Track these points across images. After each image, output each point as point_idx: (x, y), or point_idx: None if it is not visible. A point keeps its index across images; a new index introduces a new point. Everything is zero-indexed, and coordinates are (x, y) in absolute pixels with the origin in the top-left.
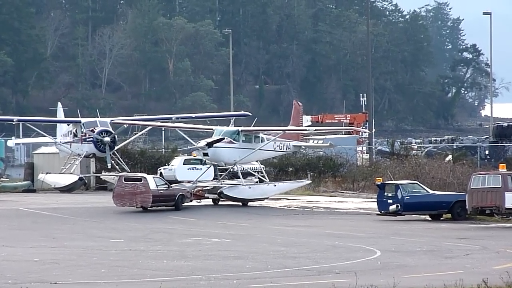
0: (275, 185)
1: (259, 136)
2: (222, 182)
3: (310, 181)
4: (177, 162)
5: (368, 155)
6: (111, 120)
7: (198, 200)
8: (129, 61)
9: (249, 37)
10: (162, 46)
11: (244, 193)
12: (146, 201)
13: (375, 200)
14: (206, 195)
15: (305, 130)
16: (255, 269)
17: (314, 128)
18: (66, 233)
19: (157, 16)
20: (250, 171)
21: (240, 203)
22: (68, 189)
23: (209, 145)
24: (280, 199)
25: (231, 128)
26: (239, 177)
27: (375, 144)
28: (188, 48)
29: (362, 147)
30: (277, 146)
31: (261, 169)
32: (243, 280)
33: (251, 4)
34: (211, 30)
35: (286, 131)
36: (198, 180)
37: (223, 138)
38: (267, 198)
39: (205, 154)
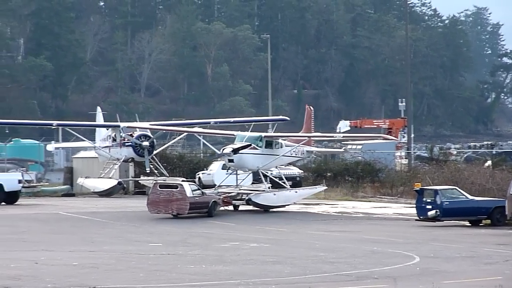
0: (296, 192)
1: (279, 142)
2: (241, 188)
3: (326, 187)
4: (216, 166)
5: (406, 160)
6: (149, 125)
7: (226, 207)
8: (167, 65)
9: (287, 42)
10: (200, 51)
11: (270, 200)
12: (183, 208)
13: (414, 205)
14: (233, 201)
15: (333, 136)
16: (293, 274)
17: (342, 134)
18: (105, 237)
19: (195, 21)
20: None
21: (262, 209)
22: (107, 193)
23: (235, 151)
24: (318, 204)
25: (254, 133)
26: (262, 183)
27: (413, 150)
28: (227, 53)
29: (401, 152)
30: (293, 151)
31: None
32: (282, 285)
33: (290, 9)
34: (250, 35)
35: (303, 137)
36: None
37: (250, 145)
38: (289, 204)
39: (230, 161)
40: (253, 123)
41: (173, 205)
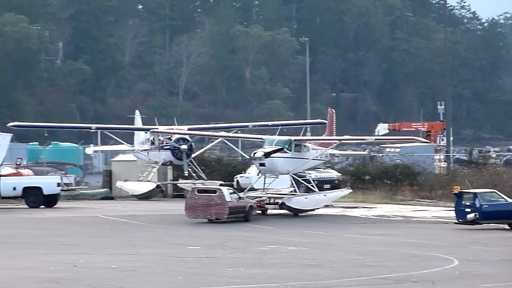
0: (325, 195)
1: (306, 145)
2: (267, 192)
3: (351, 190)
4: (254, 170)
5: (445, 163)
6: (188, 128)
7: (259, 212)
8: (206, 69)
9: (326, 45)
10: (239, 54)
11: (302, 204)
12: (222, 213)
13: (453, 208)
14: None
15: (364, 140)
16: (332, 278)
17: (374, 137)
18: (144, 241)
19: (234, 24)
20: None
21: (292, 213)
22: (145, 196)
23: (266, 155)
24: (356, 207)
25: (283, 137)
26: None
27: (453, 153)
28: (265, 56)
29: (440, 155)
30: (318, 155)
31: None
32: None
33: (328, 12)
34: (288, 38)
35: (333, 140)
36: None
37: (282, 148)
38: (319, 208)
39: (262, 165)
40: (293, 126)
41: (211, 210)
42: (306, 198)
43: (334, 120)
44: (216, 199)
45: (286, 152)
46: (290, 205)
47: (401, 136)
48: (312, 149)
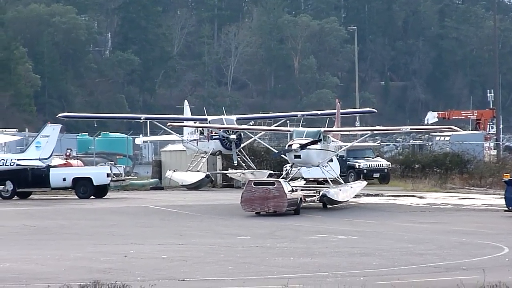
0: (351, 187)
1: (329, 137)
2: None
3: (366, 182)
4: None
5: (495, 151)
6: (237, 118)
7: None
8: (254, 58)
9: (374, 33)
10: (287, 43)
11: (338, 195)
12: (281, 205)
13: (503, 196)
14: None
15: (399, 130)
16: (382, 266)
17: (409, 127)
18: (194, 230)
19: (282, 13)
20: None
21: (322, 206)
22: (195, 186)
23: (302, 147)
24: (406, 196)
25: (313, 129)
26: (326, 181)
27: (502, 140)
28: (313, 45)
29: (490, 143)
30: (335, 146)
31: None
32: (370, 277)
33: (377, 0)
34: (336, 27)
35: (365, 131)
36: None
37: (320, 140)
38: (347, 201)
39: (297, 157)
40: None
41: (269, 202)
42: (340, 190)
43: (340, 111)
44: (274, 192)
45: (317, 144)
46: (330, 197)
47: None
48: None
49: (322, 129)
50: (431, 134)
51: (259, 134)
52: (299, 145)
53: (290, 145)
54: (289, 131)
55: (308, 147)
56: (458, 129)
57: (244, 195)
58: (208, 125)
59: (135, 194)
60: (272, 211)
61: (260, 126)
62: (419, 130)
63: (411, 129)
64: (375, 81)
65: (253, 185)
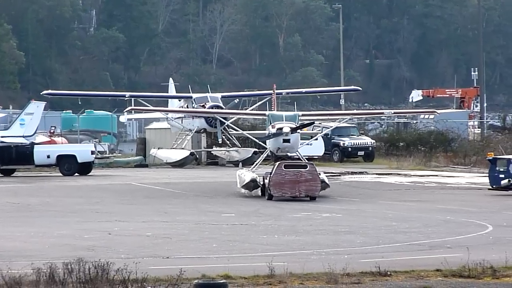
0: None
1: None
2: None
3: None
4: None
5: (479, 129)
6: (221, 96)
7: None
8: (239, 36)
9: (359, 11)
10: (272, 21)
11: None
12: (313, 189)
13: (487, 175)
14: None
15: (381, 114)
16: (366, 244)
17: (393, 111)
18: (178, 208)
19: None
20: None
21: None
22: (179, 164)
23: (293, 130)
24: (390, 174)
25: (290, 112)
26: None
27: (486, 119)
28: (298, 23)
29: (474, 121)
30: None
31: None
32: (354, 255)
33: None
34: (321, 5)
35: (344, 115)
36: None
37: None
38: None
39: (286, 141)
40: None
41: (301, 186)
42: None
43: (274, 96)
44: (306, 175)
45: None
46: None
47: (435, 102)
48: None
49: (300, 113)
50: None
51: (232, 119)
52: (290, 129)
53: (280, 128)
54: (264, 115)
55: (298, 131)
56: (440, 111)
57: (273, 179)
58: (173, 109)
59: (120, 171)
60: (303, 195)
61: (234, 110)
62: (403, 113)
63: (394, 112)
64: (360, 59)
65: (283, 168)
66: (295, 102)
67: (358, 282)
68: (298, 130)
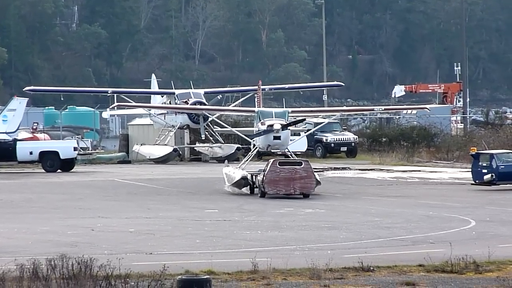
0: None
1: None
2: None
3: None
4: None
5: (462, 124)
6: (204, 92)
7: None
8: (222, 32)
9: (342, 7)
10: (255, 17)
11: None
12: (308, 187)
13: (470, 170)
14: None
15: (372, 110)
16: (349, 239)
17: (384, 107)
18: (161, 204)
19: None
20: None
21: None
22: (162, 160)
23: (283, 127)
24: (373, 169)
25: (279, 109)
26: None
27: (469, 114)
28: (281, 18)
29: (456, 116)
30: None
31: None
32: (337, 250)
33: None
34: (304, 1)
35: (335, 111)
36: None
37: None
38: None
39: (277, 138)
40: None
41: (295, 183)
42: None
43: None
44: (301, 172)
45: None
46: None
47: (418, 97)
48: None
49: (289, 109)
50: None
51: (215, 116)
52: (280, 126)
53: (271, 125)
54: (253, 111)
55: (288, 128)
56: (430, 107)
57: (268, 176)
58: (159, 105)
59: (102, 168)
60: (298, 192)
61: (222, 107)
62: (393, 110)
63: (385, 109)
64: (342, 54)
65: (278, 165)
66: (284, 99)
67: (341, 278)
68: (289, 127)
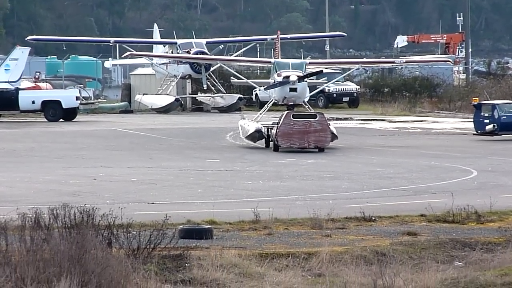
0: None
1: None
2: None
3: None
4: None
5: (464, 75)
6: (206, 42)
7: None
8: None
9: None
10: None
11: None
12: (323, 140)
13: (472, 120)
14: None
15: (393, 62)
16: (351, 189)
17: (405, 59)
18: (163, 154)
19: None
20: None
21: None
22: (164, 110)
23: (300, 79)
24: (375, 120)
25: (297, 60)
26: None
27: (471, 64)
28: None
29: (459, 67)
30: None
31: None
32: (339, 200)
33: None
34: None
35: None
36: None
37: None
38: None
39: (293, 90)
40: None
41: (310, 137)
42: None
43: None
44: (315, 125)
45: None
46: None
47: (420, 48)
48: None
49: (307, 61)
50: (400, 57)
51: (216, 66)
52: (297, 77)
53: (287, 77)
54: (269, 62)
55: (305, 79)
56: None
57: (281, 129)
58: (177, 55)
59: (105, 117)
60: (313, 146)
61: (238, 57)
62: (415, 63)
63: (406, 61)
64: (345, 4)
65: (291, 118)
66: (302, 50)
67: (342, 227)
68: (306, 79)
